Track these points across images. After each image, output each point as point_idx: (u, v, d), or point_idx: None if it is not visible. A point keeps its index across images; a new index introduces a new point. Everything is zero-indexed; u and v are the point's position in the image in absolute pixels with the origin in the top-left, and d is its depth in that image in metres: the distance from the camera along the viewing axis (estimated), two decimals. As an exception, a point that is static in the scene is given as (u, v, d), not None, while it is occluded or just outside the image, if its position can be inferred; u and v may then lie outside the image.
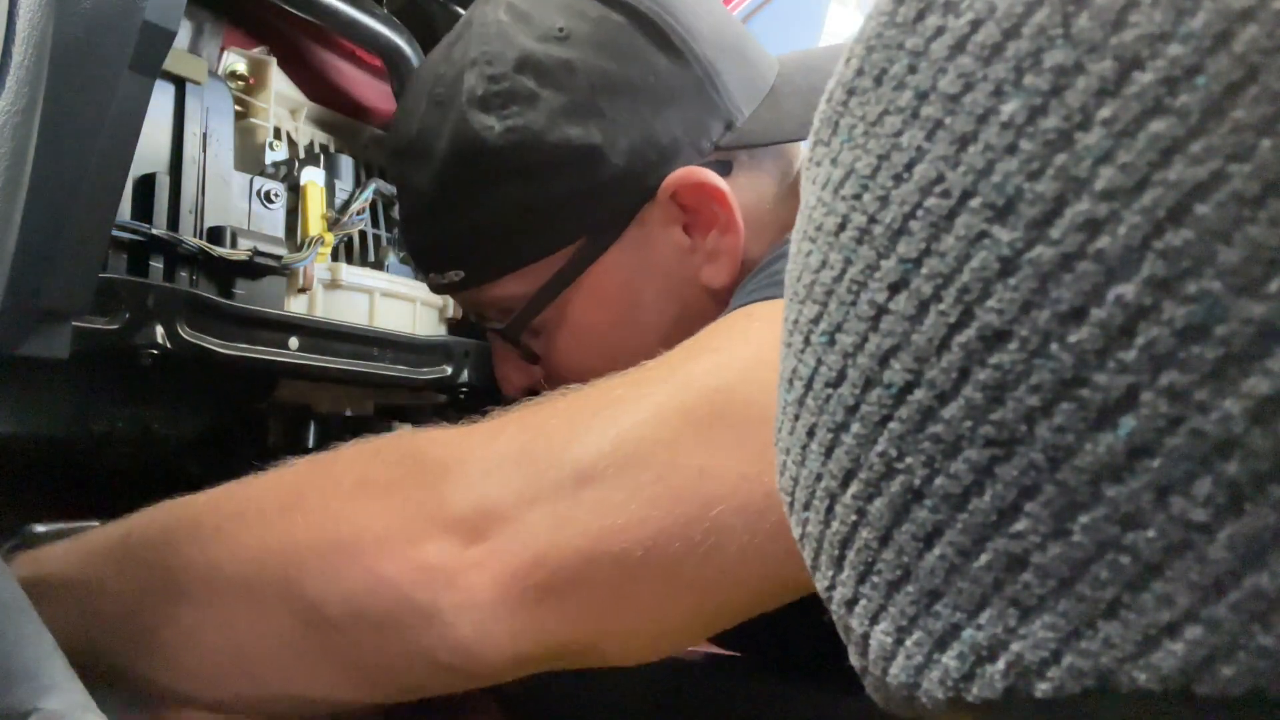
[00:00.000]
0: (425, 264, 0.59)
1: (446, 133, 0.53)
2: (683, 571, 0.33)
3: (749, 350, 0.37)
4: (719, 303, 0.52)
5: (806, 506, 0.17)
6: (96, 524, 0.46)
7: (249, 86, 0.64)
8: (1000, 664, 0.14)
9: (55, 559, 0.41)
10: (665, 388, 0.36)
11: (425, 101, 0.55)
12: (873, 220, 0.16)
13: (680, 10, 0.54)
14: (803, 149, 0.58)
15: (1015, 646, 0.14)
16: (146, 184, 0.52)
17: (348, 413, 0.65)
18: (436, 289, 0.60)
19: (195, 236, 0.53)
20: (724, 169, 0.54)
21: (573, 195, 0.53)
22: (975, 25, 0.14)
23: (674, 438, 0.34)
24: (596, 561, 0.32)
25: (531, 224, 0.54)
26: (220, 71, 0.62)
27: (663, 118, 0.53)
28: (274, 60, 0.65)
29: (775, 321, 0.18)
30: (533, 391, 0.55)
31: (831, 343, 0.16)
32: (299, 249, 0.57)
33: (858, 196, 0.16)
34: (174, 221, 0.53)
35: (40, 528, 0.47)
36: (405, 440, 0.39)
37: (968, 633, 0.14)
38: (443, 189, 0.54)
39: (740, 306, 0.43)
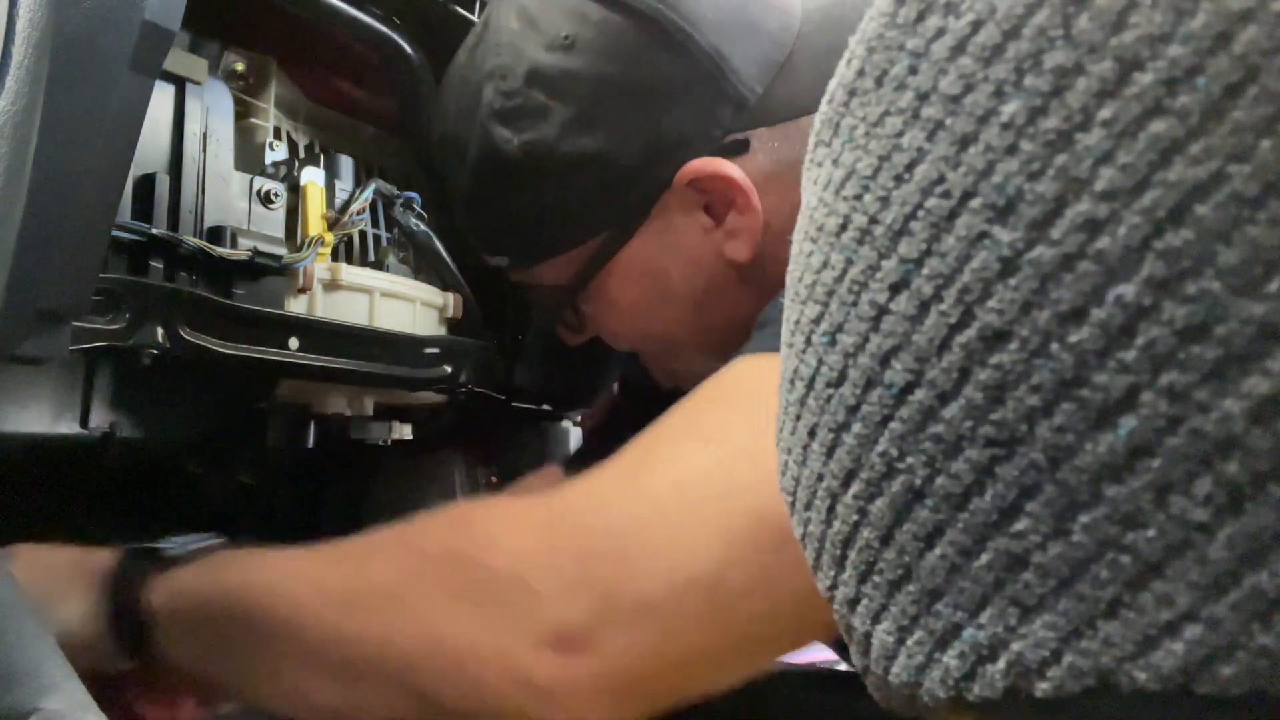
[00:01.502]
0: (474, 246, 0.66)
1: (473, 141, 0.59)
2: (726, 664, 0.43)
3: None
4: (743, 274, 0.58)
5: (808, 506, 0.17)
6: (216, 540, 0.50)
7: (249, 86, 0.64)
8: (1001, 663, 0.14)
9: (185, 591, 0.45)
10: (709, 510, 0.42)
11: (454, 106, 0.61)
12: (874, 221, 0.16)
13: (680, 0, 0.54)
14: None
15: (1016, 646, 0.14)
16: (146, 184, 0.52)
17: (348, 413, 0.65)
18: (491, 266, 0.66)
19: (195, 236, 0.53)
20: (741, 148, 0.56)
21: (591, 195, 0.57)
22: (976, 26, 0.14)
23: (720, 570, 0.40)
24: (660, 669, 0.41)
25: (556, 221, 0.59)
26: (220, 71, 0.62)
27: (669, 115, 0.55)
28: (274, 60, 0.64)
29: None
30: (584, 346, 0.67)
31: (833, 343, 0.16)
32: (299, 249, 0.57)
33: (859, 197, 0.16)
34: (174, 221, 0.52)
35: (168, 546, 0.50)
36: (470, 545, 0.44)
37: (968, 632, 0.14)
38: (476, 188, 0.61)
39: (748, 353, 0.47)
